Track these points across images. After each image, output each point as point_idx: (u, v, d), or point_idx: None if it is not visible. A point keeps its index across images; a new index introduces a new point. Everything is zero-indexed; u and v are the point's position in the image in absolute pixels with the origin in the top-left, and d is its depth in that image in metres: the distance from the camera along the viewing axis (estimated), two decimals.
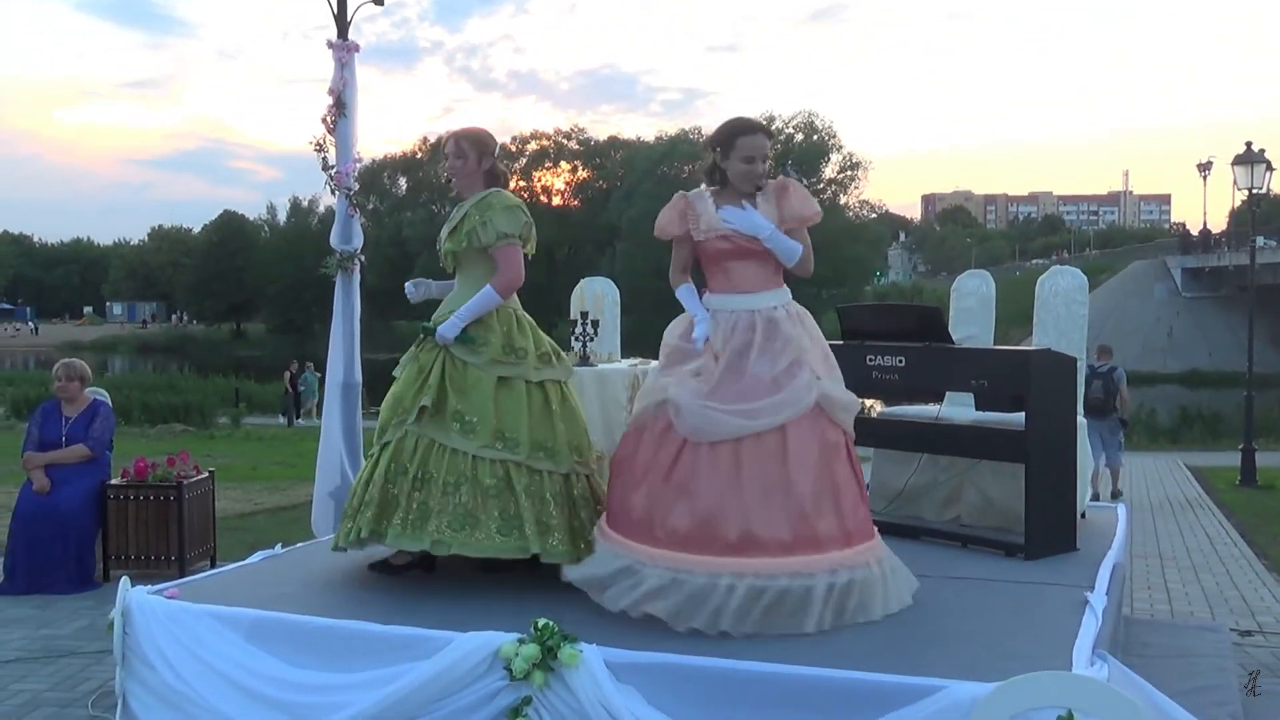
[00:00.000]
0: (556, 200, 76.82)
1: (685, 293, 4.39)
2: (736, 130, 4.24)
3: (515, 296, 4.72)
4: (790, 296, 4.31)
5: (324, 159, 7.26)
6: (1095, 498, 12.36)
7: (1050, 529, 5.08)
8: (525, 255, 4.71)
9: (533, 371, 4.59)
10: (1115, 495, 13.37)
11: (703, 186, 4.39)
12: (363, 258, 7.37)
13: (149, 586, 4.25)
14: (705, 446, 4.00)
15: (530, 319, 4.78)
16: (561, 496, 4.52)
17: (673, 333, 4.39)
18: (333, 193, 7.28)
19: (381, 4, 7.60)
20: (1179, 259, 57.64)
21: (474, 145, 4.76)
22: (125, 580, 4.25)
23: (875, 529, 4.20)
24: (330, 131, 7.19)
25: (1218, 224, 68.54)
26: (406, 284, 5.00)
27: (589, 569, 4.12)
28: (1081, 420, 5.65)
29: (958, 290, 6.50)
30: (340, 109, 7.14)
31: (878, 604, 3.98)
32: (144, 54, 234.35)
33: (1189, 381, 45.42)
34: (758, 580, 3.82)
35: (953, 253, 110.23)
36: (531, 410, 4.55)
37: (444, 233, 4.76)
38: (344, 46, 7.19)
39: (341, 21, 7.36)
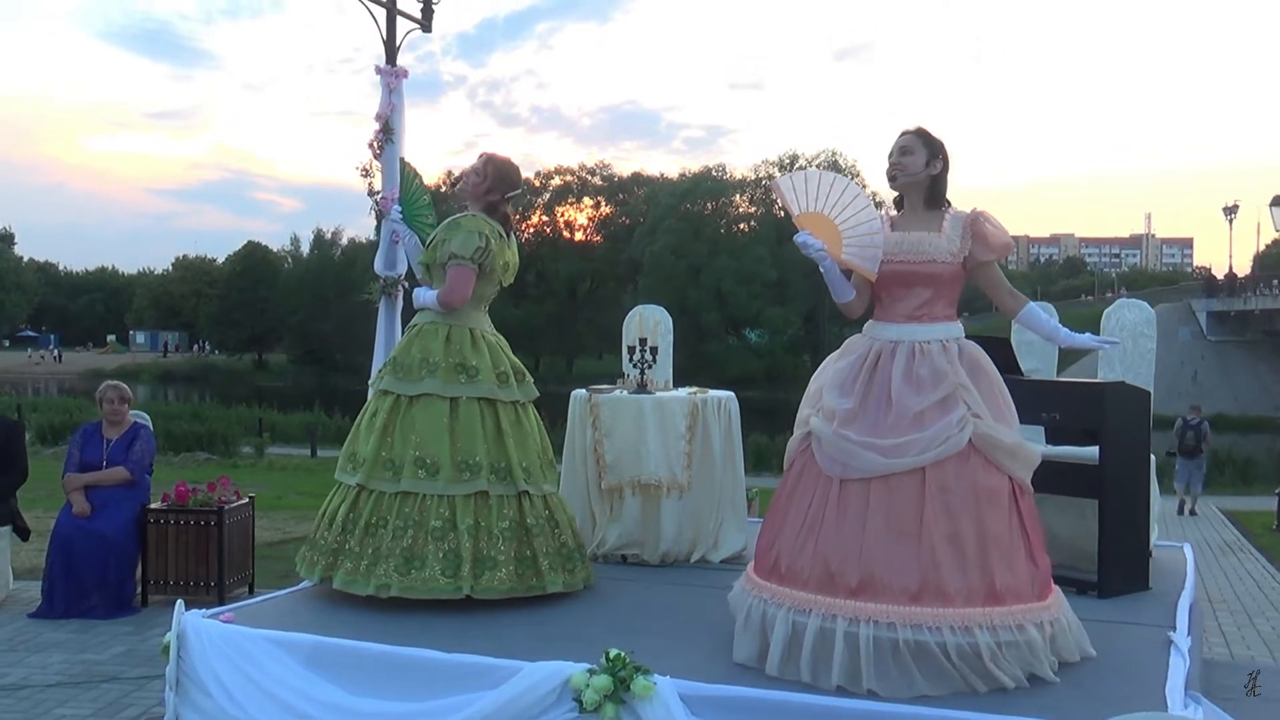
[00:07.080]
0: (579, 235, 76.94)
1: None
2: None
3: (485, 316, 4.97)
4: (961, 332, 4.01)
5: (369, 184, 7.20)
6: (1186, 511, 16.08)
7: (1124, 566, 4.95)
8: (498, 281, 4.99)
9: (486, 390, 4.71)
10: (1191, 513, 16.20)
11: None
12: (406, 284, 7.30)
13: (204, 610, 4.17)
14: (836, 484, 3.73)
15: (497, 339, 4.94)
16: (513, 525, 4.59)
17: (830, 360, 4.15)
18: (378, 219, 7.21)
19: (429, 30, 7.60)
20: (1204, 302, 57.16)
21: (494, 172, 4.97)
22: (180, 604, 4.17)
23: (1050, 590, 3.83)
24: (376, 157, 7.13)
25: (1242, 268, 68.24)
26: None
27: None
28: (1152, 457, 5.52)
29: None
30: (388, 135, 7.08)
31: (1043, 666, 3.62)
32: (171, 85, 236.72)
33: (1215, 425, 44.87)
34: (877, 628, 3.51)
35: (974, 293, 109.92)
36: (485, 431, 4.66)
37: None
38: (392, 72, 7.14)
39: (390, 47, 7.32)
